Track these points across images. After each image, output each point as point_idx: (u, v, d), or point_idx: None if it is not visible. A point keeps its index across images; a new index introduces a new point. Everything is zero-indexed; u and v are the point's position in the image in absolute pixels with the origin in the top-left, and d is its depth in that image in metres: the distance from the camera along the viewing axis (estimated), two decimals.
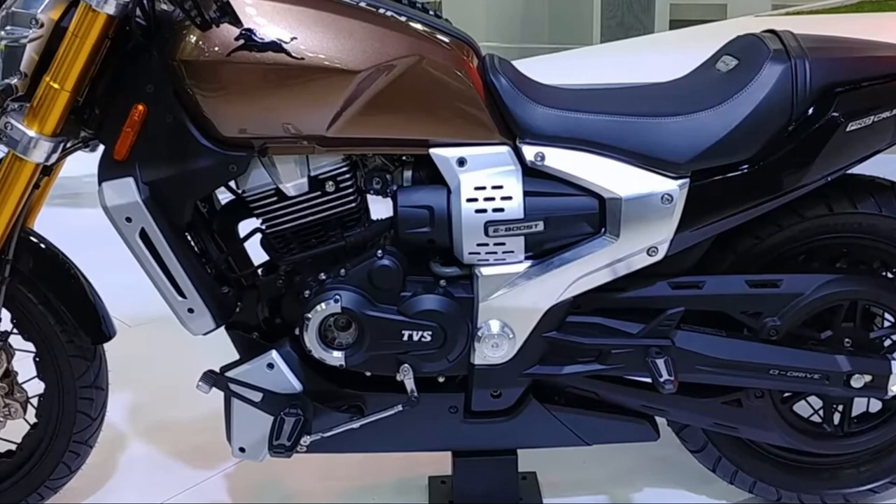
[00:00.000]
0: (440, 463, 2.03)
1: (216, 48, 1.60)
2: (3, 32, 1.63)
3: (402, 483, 2.15)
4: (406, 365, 1.78)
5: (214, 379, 1.80)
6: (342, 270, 1.76)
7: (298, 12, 1.62)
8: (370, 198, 1.80)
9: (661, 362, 1.74)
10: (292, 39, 1.61)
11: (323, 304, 1.73)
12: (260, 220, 1.77)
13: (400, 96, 1.66)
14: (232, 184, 1.75)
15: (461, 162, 1.71)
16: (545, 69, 4.09)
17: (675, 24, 6.76)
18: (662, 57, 4.52)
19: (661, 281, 1.79)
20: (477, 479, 1.97)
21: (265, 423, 1.80)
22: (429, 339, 1.76)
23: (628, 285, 1.79)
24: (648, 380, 1.79)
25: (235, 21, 1.58)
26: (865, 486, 1.96)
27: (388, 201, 1.75)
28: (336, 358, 1.76)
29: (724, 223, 1.74)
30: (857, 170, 1.77)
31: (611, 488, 2.11)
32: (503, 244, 1.72)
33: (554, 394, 1.90)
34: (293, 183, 1.71)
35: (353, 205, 1.76)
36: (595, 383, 1.86)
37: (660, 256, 1.74)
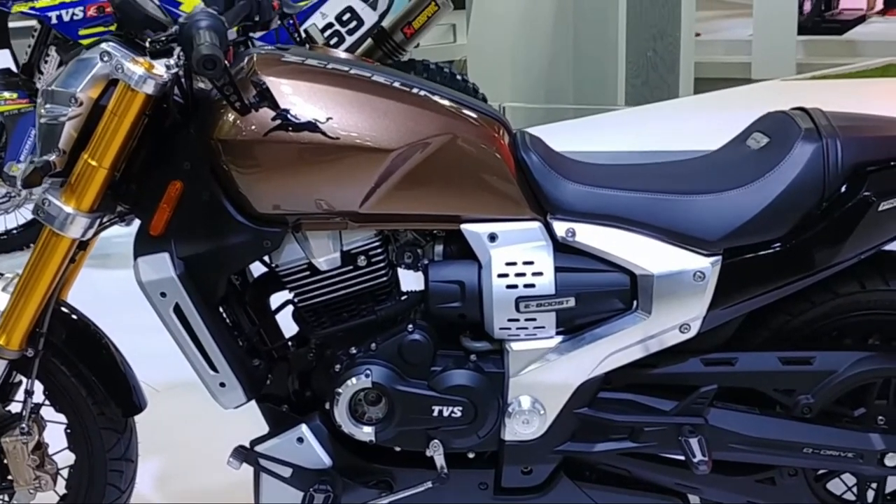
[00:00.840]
0: None
1: (253, 128, 1.63)
2: (42, 110, 1.67)
3: None
4: (436, 441, 1.77)
5: (245, 455, 1.80)
6: (373, 344, 1.77)
7: (335, 93, 1.65)
8: (400, 271, 1.81)
9: (694, 441, 1.72)
10: (328, 119, 1.63)
11: (353, 379, 1.73)
12: (292, 294, 1.78)
13: (432, 173, 1.68)
14: (266, 258, 1.77)
15: (492, 237, 1.72)
16: (571, 135, 4.13)
17: (699, 83, 6.79)
18: (689, 123, 4.54)
19: (693, 357, 1.78)
20: None
21: (295, 498, 1.79)
22: (459, 414, 1.75)
23: (661, 361, 1.78)
24: (682, 457, 1.77)
25: (273, 105, 1.61)
26: None
27: (419, 275, 1.76)
28: (366, 433, 1.76)
29: (757, 301, 1.73)
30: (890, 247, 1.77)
31: None
32: (534, 319, 1.72)
33: (585, 470, 1.88)
34: (326, 258, 1.73)
35: (385, 279, 1.77)
36: (627, 460, 1.84)
37: (692, 334, 1.74)
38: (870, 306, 1.79)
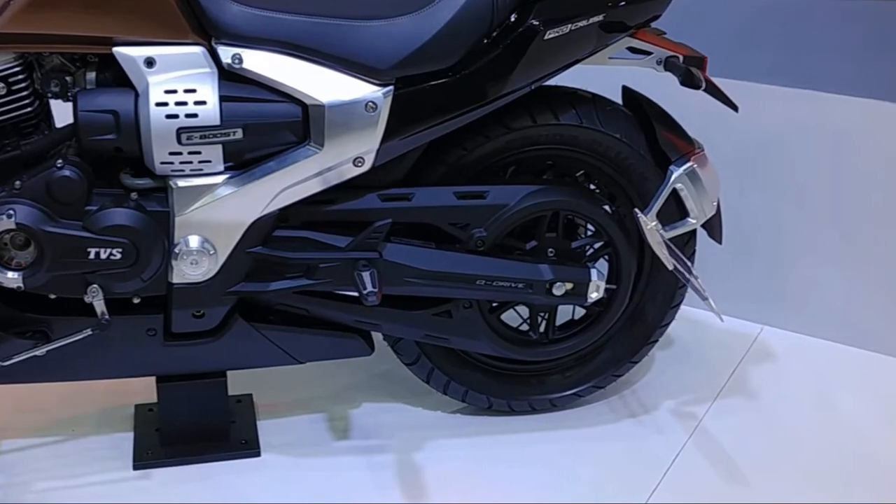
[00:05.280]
0: (150, 390, 1.91)
1: None
2: None
3: (106, 413, 2.01)
4: (94, 285, 1.65)
5: None
6: (17, 182, 1.59)
7: None
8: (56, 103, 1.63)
9: (366, 275, 1.70)
10: None
11: None
12: None
13: None
14: None
15: (149, 62, 1.58)
16: None
17: None
18: None
19: (370, 193, 1.75)
20: (184, 405, 1.88)
21: None
22: (119, 256, 1.63)
23: (337, 197, 1.73)
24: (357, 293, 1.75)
25: None
26: (570, 390, 2.03)
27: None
28: (12, 279, 1.60)
29: (430, 132, 1.70)
30: (561, 81, 1.79)
31: (329, 406, 2.07)
32: (199, 153, 1.61)
33: (262, 312, 1.82)
34: None
35: (30, 109, 1.60)
36: (305, 299, 1.80)
37: (366, 167, 1.69)
38: (541, 141, 1.82)
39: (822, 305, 2.33)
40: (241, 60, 1.61)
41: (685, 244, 1.94)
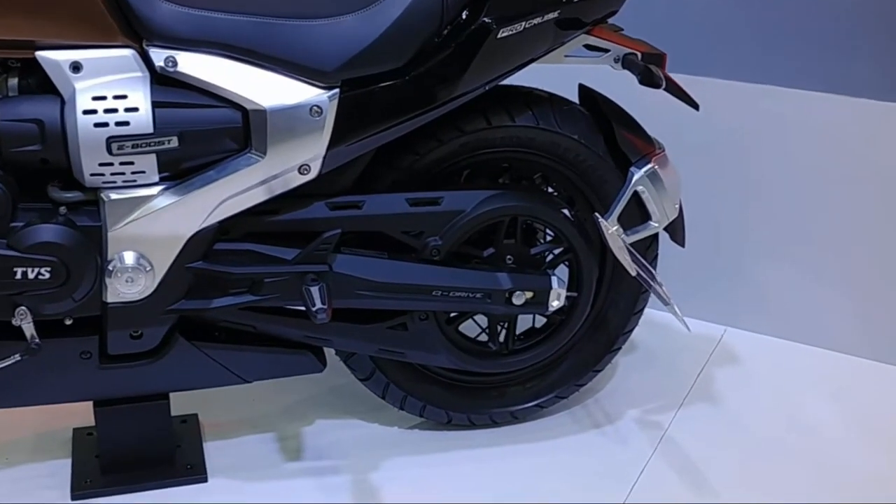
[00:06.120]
0: (90, 412, 1.80)
1: None
2: None
3: (42, 438, 1.90)
4: (22, 307, 1.54)
5: None
6: None
7: None
8: None
9: (315, 290, 1.61)
10: None
11: None
12: None
13: None
14: None
15: (76, 67, 1.47)
16: None
17: None
18: None
19: (318, 202, 1.65)
20: (125, 429, 1.77)
21: None
22: (47, 276, 1.52)
23: (282, 207, 1.64)
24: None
25: None
26: (532, 401, 1.96)
27: None
28: None
29: (380, 137, 1.61)
30: (514, 80, 1.71)
31: (280, 424, 1.97)
32: (132, 163, 1.51)
33: (206, 330, 1.72)
34: None
35: None
36: (251, 315, 1.70)
37: (313, 175, 1.60)
38: (496, 143, 1.74)
39: (785, 306, 2.28)
40: (175, 63, 1.51)
41: (647, 248, 1.87)
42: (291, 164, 1.57)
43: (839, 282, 2.22)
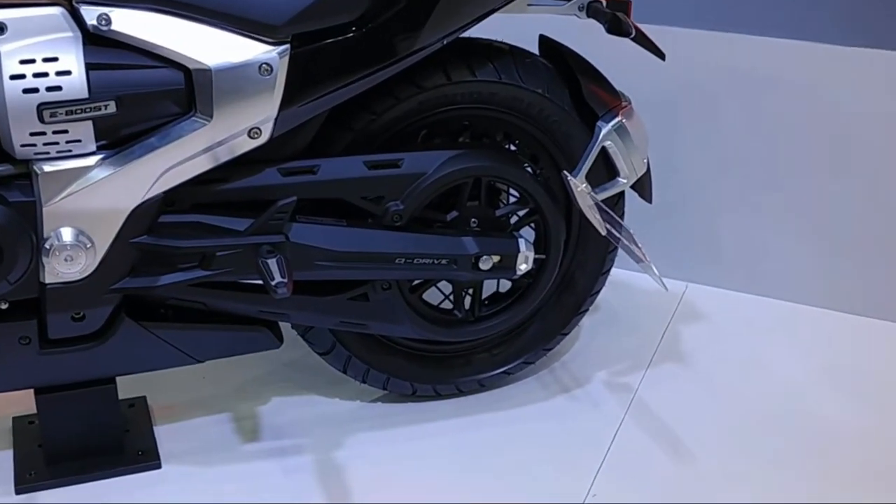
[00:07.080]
0: (30, 398, 1.67)
1: None
2: None
3: None
4: None
5: None
6: None
7: None
8: None
9: (272, 263, 1.50)
10: None
11: None
12: None
13: None
14: None
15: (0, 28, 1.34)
16: None
17: None
18: None
19: (270, 168, 1.54)
20: (69, 416, 1.65)
21: None
22: None
23: (232, 175, 1.52)
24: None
25: None
26: (499, 368, 1.89)
27: None
28: None
29: (335, 96, 1.51)
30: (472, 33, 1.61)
31: (234, 404, 1.87)
32: (66, 132, 1.38)
33: (153, 309, 1.61)
34: None
35: None
36: (201, 292, 1.59)
37: (264, 139, 1.49)
38: (457, 100, 1.65)
39: (747, 259, 2.24)
40: (108, 21, 1.38)
41: (614, 205, 1.80)
42: (240, 127, 1.46)
43: (801, 234, 2.18)
